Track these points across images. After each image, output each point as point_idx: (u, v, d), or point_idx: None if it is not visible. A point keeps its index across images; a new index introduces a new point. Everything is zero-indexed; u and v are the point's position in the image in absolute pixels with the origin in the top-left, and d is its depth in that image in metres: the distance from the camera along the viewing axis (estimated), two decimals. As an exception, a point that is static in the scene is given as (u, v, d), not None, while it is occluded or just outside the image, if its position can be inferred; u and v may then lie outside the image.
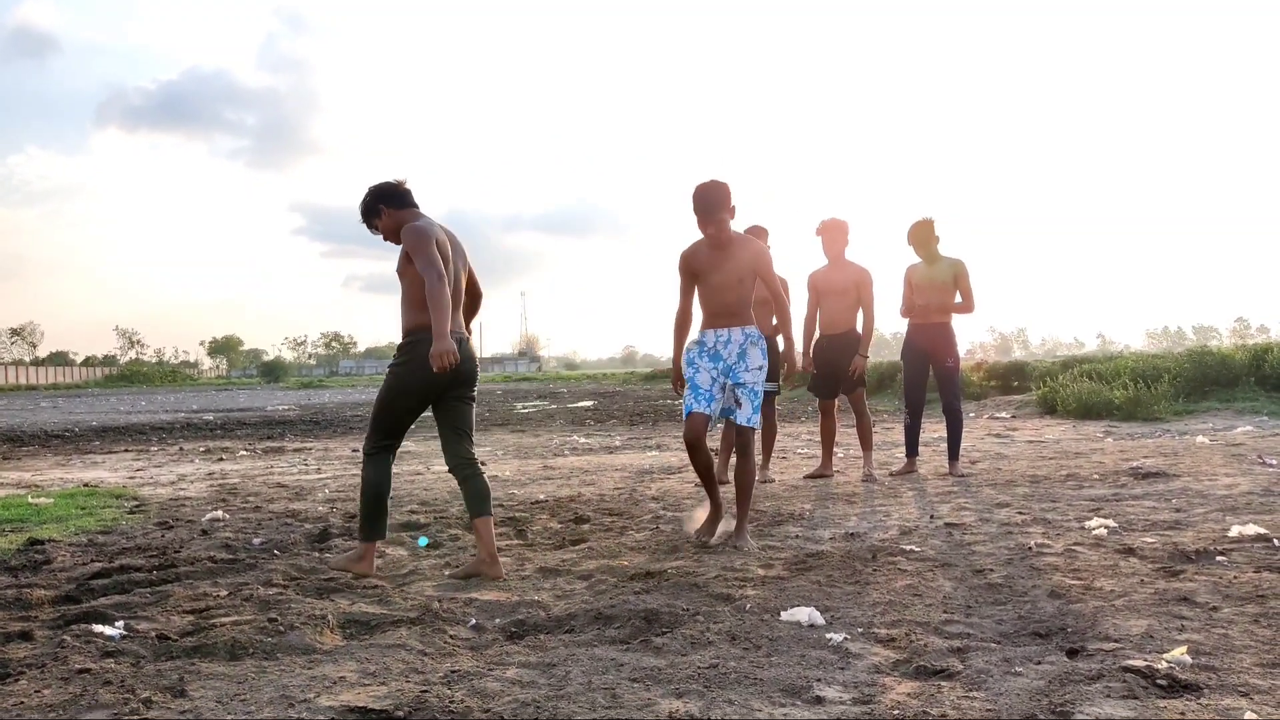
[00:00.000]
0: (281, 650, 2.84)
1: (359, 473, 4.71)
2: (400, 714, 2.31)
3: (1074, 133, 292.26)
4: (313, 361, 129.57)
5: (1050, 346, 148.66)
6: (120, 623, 3.17)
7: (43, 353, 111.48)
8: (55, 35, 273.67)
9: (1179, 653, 2.56)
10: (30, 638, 3.06)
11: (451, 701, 2.38)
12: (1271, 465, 6.56)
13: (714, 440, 8.13)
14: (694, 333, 4.59)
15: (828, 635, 2.89)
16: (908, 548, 4.19)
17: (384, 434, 3.95)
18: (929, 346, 6.83)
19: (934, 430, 8.65)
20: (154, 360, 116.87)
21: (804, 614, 3.06)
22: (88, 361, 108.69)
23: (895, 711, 2.28)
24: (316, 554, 4.44)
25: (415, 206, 3.99)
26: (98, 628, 3.09)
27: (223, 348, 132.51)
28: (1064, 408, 12.46)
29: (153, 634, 3.04)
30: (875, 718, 2.26)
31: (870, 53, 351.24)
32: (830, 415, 7.04)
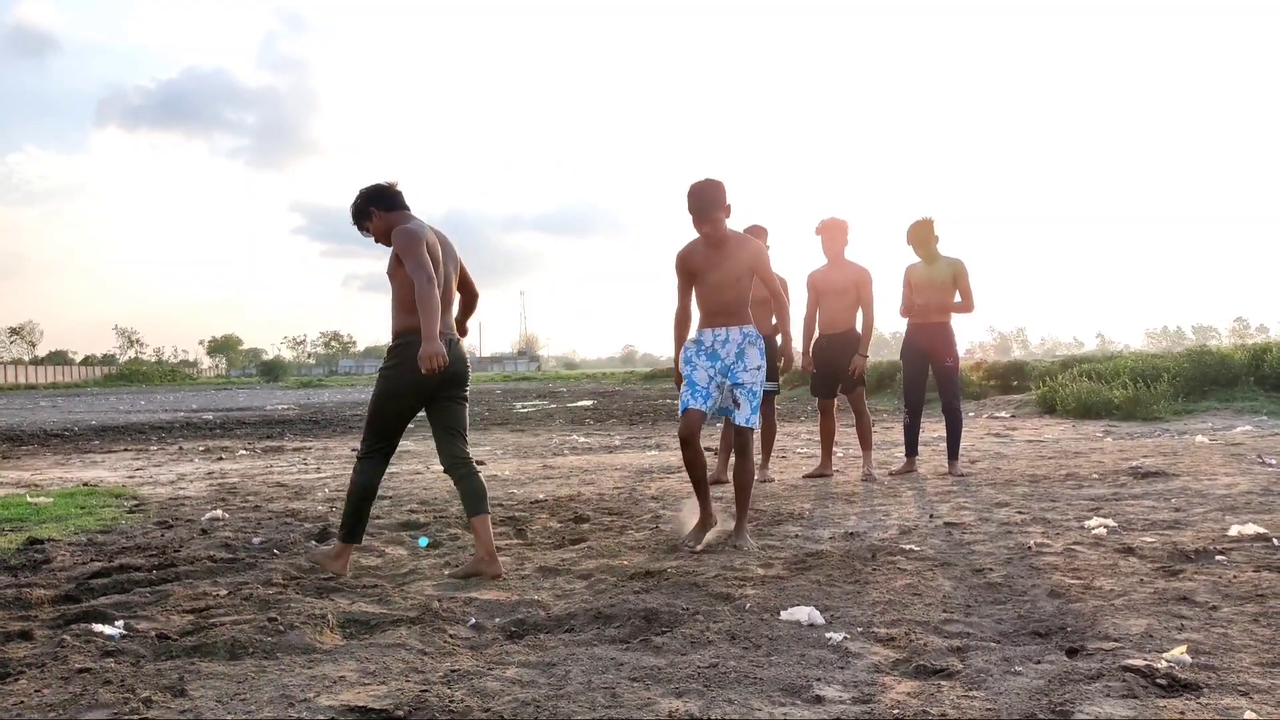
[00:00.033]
0: (281, 650, 2.84)
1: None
2: (400, 713, 2.31)
3: (1073, 132, 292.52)
4: (312, 361, 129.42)
5: (1050, 346, 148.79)
6: (120, 622, 3.18)
7: (42, 352, 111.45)
8: (55, 35, 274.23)
9: (1178, 652, 2.56)
10: (30, 637, 3.06)
11: (451, 701, 2.38)
12: (1271, 465, 6.56)
13: (714, 440, 8.14)
14: (692, 331, 4.59)
15: (827, 635, 2.89)
16: (907, 547, 4.19)
17: (377, 437, 3.95)
18: (928, 346, 6.84)
19: (933, 430, 8.66)
20: (153, 359, 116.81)
21: (804, 613, 3.06)
22: (87, 361, 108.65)
23: (895, 711, 2.28)
24: (316, 553, 4.44)
25: (406, 208, 3.99)
26: (97, 627, 3.09)
27: (222, 347, 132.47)
28: (1063, 407, 12.46)
29: (152, 633, 3.04)
30: (875, 717, 2.26)
31: (870, 52, 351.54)
32: (830, 415, 7.04)
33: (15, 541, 4.85)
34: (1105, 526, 4.45)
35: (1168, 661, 2.49)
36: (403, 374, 3.83)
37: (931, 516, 5.01)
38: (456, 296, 4.14)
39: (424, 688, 2.48)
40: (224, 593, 3.62)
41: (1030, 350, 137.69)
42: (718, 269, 4.41)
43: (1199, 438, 8.69)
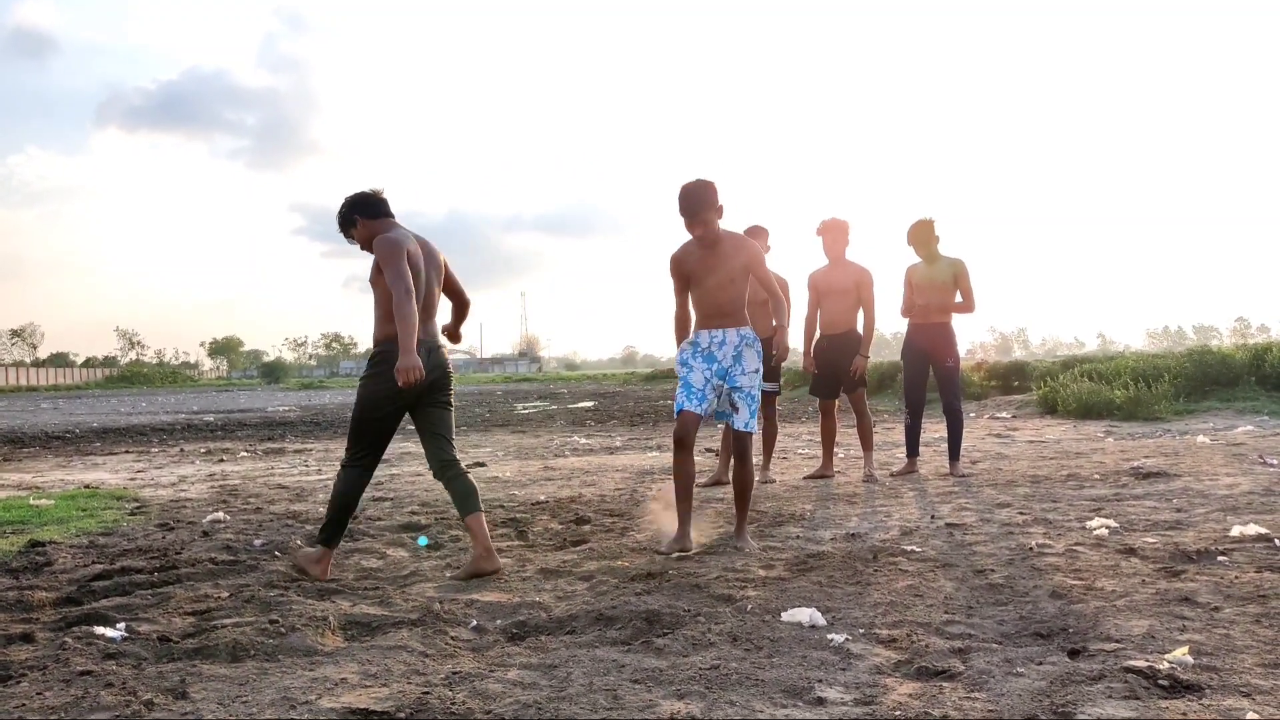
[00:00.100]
0: (283, 652, 2.85)
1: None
2: (402, 715, 2.32)
3: (1074, 131, 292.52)
4: (313, 362, 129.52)
5: (1050, 346, 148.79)
6: (122, 624, 3.18)
7: (43, 354, 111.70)
8: (54, 35, 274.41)
9: (1180, 653, 2.55)
10: (32, 640, 3.06)
11: (453, 703, 2.38)
12: (1272, 465, 6.55)
13: (714, 440, 8.13)
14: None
15: (829, 636, 2.89)
16: (909, 548, 4.19)
17: (360, 446, 3.95)
18: (929, 346, 6.83)
19: (934, 430, 8.65)
20: (154, 361, 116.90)
21: (805, 615, 3.06)
22: (88, 363, 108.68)
23: (897, 712, 2.28)
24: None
25: (390, 216, 4.01)
26: (99, 629, 3.10)
27: (223, 348, 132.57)
28: (1064, 408, 12.46)
29: (154, 636, 3.04)
30: (877, 718, 2.26)
31: (870, 52, 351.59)
32: (831, 416, 7.04)
33: (17, 544, 4.85)
34: (1107, 527, 4.45)
35: (1170, 662, 2.49)
36: (380, 384, 3.85)
37: (933, 517, 5.01)
38: (444, 302, 4.16)
39: (425, 690, 2.48)
40: (225, 595, 3.62)
41: (1031, 350, 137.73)
42: (713, 271, 4.38)
43: (1200, 438, 8.69)
